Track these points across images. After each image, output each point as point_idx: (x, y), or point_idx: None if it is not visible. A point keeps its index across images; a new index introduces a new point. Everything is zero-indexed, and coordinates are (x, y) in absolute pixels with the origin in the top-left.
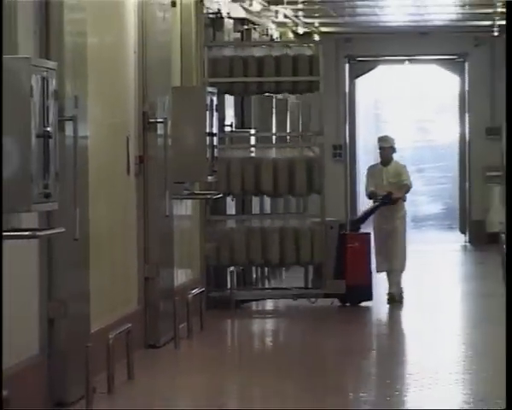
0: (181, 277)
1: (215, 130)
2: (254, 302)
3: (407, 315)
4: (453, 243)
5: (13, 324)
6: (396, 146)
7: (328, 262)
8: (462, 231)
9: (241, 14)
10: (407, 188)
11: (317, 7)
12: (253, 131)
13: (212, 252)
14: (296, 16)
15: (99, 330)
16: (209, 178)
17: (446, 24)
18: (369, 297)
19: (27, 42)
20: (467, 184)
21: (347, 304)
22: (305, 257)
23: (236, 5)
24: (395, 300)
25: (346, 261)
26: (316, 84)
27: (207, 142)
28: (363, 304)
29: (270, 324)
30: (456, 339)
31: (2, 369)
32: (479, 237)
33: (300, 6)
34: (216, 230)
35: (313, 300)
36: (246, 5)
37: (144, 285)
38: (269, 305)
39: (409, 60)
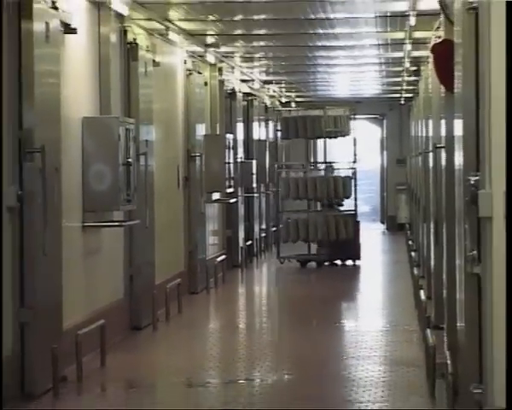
0: (211, 250)
1: (232, 160)
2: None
3: (350, 275)
4: (376, 229)
5: (109, 279)
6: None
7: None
8: (382, 222)
9: (247, 90)
10: None
11: (293, 85)
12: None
13: (230, 235)
14: (280, 91)
15: (160, 283)
16: (227, 190)
17: (372, 96)
18: (359, 258)
19: (116, 106)
20: (385, 193)
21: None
22: (342, 235)
23: (244, 84)
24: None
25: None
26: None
27: (226, 168)
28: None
29: (274, 276)
30: (378, 289)
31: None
32: (392, 226)
33: (283, 85)
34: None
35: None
36: (250, 84)
37: (188, 255)
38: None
39: (352, 117)
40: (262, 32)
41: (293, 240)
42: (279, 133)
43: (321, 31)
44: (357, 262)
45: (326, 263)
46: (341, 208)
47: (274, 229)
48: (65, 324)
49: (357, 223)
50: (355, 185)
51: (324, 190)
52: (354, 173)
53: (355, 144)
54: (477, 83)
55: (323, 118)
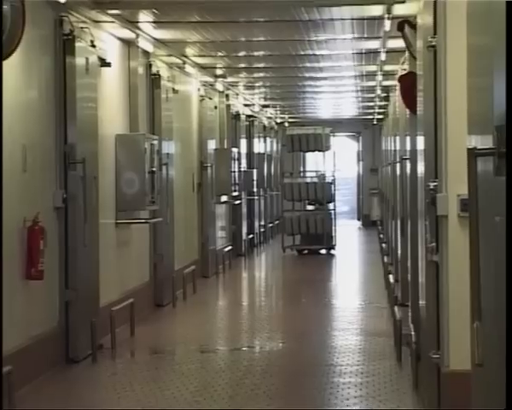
0: (220, 242)
1: (236, 169)
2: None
3: (332, 262)
4: (354, 225)
5: (137, 266)
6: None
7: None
8: (358, 219)
9: (249, 112)
10: None
11: (286, 108)
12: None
13: (235, 230)
14: (276, 113)
15: (178, 269)
16: (232, 193)
17: (350, 117)
18: (334, 248)
19: (143, 125)
20: (360, 196)
21: (322, 251)
22: (325, 229)
23: (247, 108)
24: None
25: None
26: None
27: (232, 175)
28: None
29: (271, 263)
30: (355, 274)
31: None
32: (366, 222)
33: (278, 108)
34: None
35: (323, 251)
36: (251, 108)
37: (201, 246)
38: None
39: (332, 135)
40: (261, 65)
41: (293, 233)
42: (281, 147)
43: (309, 64)
44: (333, 252)
45: (323, 251)
46: (324, 208)
47: (271, 225)
48: (101, 302)
49: (333, 220)
50: (334, 189)
51: (320, 192)
52: (334, 180)
53: (335, 157)
54: (435, 106)
55: (323, 135)
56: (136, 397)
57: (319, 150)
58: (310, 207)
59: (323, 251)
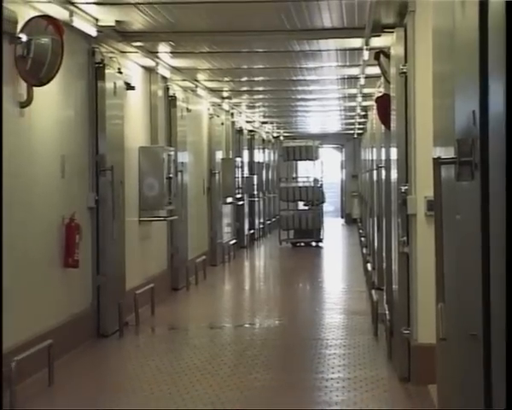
0: (226, 236)
1: (240, 176)
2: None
3: (320, 253)
4: (338, 222)
5: (156, 256)
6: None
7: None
8: (342, 217)
9: (250, 128)
10: None
11: (281, 124)
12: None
13: (238, 226)
14: (273, 128)
15: (191, 259)
16: (236, 196)
17: (335, 132)
18: (322, 241)
19: (162, 139)
20: (343, 198)
21: (313, 244)
22: (316, 226)
23: (248, 124)
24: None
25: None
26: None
27: (236, 181)
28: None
29: (269, 253)
30: (338, 262)
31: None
32: (348, 220)
33: (275, 124)
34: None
35: (314, 244)
36: (252, 124)
37: (210, 240)
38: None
39: (320, 146)
40: (260, 88)
41: (288, 228)
42: (278, 157)
43: (300, 88)
44: (321, 244)
45: (313, 244)
46: (315, 208)
47: (269, 222)
48: (127, 286)
49: (322, 218)
50: (323, 193)
51: (310, 195)
52: (321, 184)
53: (322, 165)
54: (406, 123)
55: (313, 147)
56: (155, 365)
57: (309, 159)
58: (304, 207)
59: (313, 244)
